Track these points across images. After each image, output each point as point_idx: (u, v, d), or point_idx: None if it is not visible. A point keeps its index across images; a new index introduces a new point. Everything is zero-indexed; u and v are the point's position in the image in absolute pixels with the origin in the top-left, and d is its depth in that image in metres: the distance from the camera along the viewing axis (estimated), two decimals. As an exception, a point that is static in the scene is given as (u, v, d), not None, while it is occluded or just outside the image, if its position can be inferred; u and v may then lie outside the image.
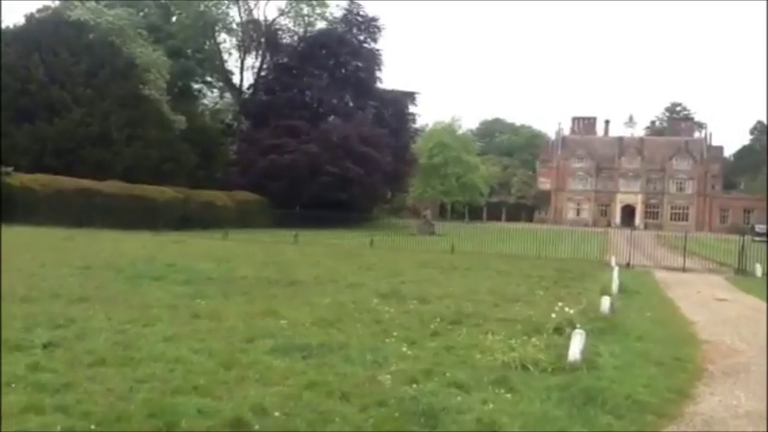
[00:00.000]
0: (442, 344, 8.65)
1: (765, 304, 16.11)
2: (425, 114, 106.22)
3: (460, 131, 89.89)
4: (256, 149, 50.44)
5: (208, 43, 58.62)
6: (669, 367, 8.41)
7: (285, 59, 58.33)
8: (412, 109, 62.48)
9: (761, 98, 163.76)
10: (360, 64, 58.38)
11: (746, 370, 8.67)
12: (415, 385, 6.52)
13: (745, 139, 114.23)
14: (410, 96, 61.98)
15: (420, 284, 15.26)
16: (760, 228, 68.55)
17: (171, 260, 17.68)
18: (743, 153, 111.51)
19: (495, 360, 7.77)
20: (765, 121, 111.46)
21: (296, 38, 59.60)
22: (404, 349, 8.10)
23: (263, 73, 59.37)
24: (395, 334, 8.95)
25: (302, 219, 35.06)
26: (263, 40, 58.28)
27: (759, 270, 24.24)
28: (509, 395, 6.46)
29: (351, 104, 59.24)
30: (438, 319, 10.19)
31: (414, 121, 64.28)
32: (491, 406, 6.03)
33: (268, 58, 59.29)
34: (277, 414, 5.56)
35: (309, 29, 59.35)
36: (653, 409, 6.50)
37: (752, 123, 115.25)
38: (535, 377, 7.19)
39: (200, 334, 8.51)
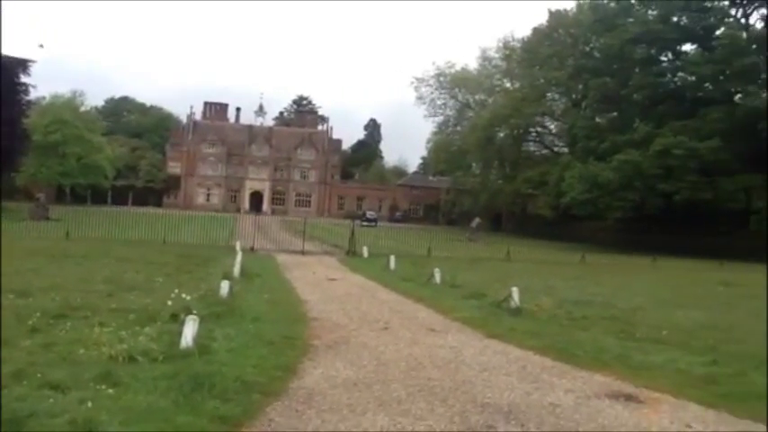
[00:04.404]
0: (40, 341, 7.79)
1: (369, 282, 18.18)
2: (42, 86, 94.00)
3: (83, 108, 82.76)
4: None
5: None
6: (279, 346, 8.83)
7: None
8: (24, 79, 55.42)
9: (375, 97, 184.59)
10: (-46, 20, 49.94)
11: (347, 342, 9.57)
12: (-1, 391, 5.71)
13: (360, 134, 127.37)
14: (23, 64, 54.84)
15: (23, 275, 13.61)
16: (370, 214, 77.82)
17: None
18: (358, 146, 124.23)
19: (101, 354, 7.25)
20: (378, 120, 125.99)
21: None
22: (-10, 351, 7.07)
23: None
24: (-22, 335, 7.76)
25: None
26: None
27: (366, 251, 27.24)
28: (112, 390, 6.04)
29: (-59, 68, 50.32)
30: (39, 314, 9.13)
31: (27, 92, 56.95)
32: (90, 404, 5.55)
33: None
34: None
35: None
36: (260, 388, 6.72)
37: (366, 120, 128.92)
38: (144, 368, 6.87)
39: None
